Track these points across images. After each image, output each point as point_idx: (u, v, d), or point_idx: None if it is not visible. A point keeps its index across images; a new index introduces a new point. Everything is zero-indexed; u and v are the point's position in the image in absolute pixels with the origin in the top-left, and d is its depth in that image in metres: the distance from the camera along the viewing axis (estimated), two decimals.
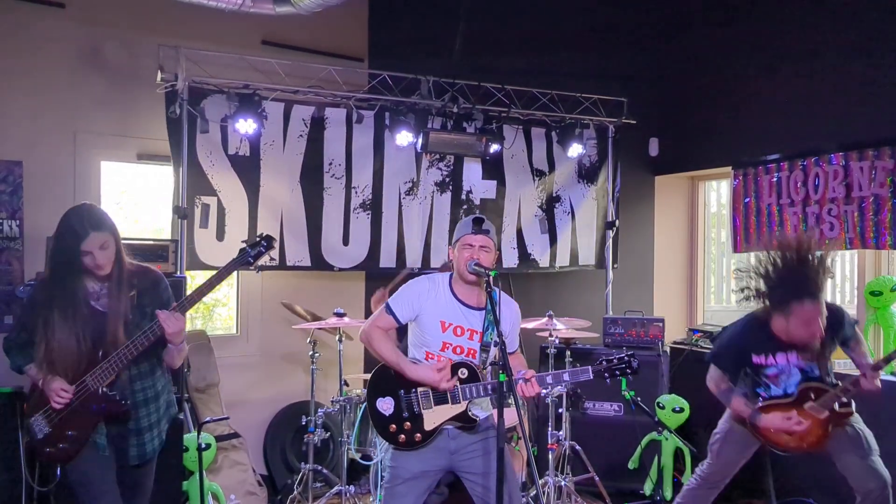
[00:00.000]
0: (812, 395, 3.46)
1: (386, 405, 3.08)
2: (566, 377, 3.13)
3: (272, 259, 3.03)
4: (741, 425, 3.61)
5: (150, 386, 2.98)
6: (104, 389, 2.80)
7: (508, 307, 3.20)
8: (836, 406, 3.43)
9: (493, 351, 3.03)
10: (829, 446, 3.51)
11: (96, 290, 2.85)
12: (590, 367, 3.09)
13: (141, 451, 2.96)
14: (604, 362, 3.11)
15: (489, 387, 3.01)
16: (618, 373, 3.09)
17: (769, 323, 3.46)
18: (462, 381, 3.03)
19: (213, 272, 2.92)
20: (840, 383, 3.45)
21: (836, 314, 3.49)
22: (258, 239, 2.96)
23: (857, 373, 3.48)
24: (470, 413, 3.04)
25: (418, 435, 3.03)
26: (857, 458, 3.43)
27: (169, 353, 2.96)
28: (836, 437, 3.48)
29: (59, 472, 2.88)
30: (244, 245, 2.96)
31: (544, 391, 4.59)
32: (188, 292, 3.72)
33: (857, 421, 3.51)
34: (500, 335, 2.80)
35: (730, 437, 3.68)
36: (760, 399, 3.55)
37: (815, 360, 3.49)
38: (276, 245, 3.06)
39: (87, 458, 2.87)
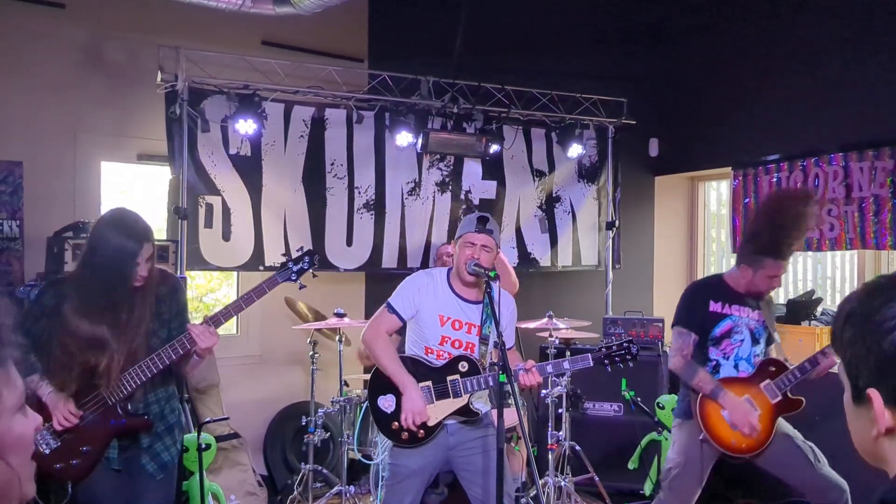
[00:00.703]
0: (772, 370, 3.43)
1: (387, 402, 3.08)
2: (566, 365, 3.14)
3: (315, 276, 2.93)
4: (696, 409, 3.43)
5: (163, 396, 2.86)
6: (124, 403, 2.67)
7: (506, 303, 3.19)
8: (789, 392, 3.39)
9: (492, 348, 3.04)
10: (777, 462, 3.42)
11: None
12: (589, 354, 3.10)
13: (160, 462, 2.82)
14: (603, 349, 3.12)
15: (489, 379, 3.01)
16: (618, 359, 3.10)
17: (722, 278, 3.55)
18: (463, 375, 3.04)
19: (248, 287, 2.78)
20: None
21: None
22: (300, 253, 2.87)
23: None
24: (472, 406, 3.05)
25: (421, 431, 3.03)
26: (813, 470, 3.37)
27: (192, 363, 2.84)
28: (783, 451, 3.40)
29: (70, 490, 2.70)
30: (286, 259, 2.87)
31: (544, 392, 4.59)
32: (188, 293, 3.74)
33: (798, 436, 3.45)
34: (499, 336, 2.81)
35: (688, 468, 3.46)
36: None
37: (764, 317, 3.50)
38: (318, 261, 2.94)
39: (97, 475, 2.71)
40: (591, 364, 3.10)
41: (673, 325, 3.60)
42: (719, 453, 3.41)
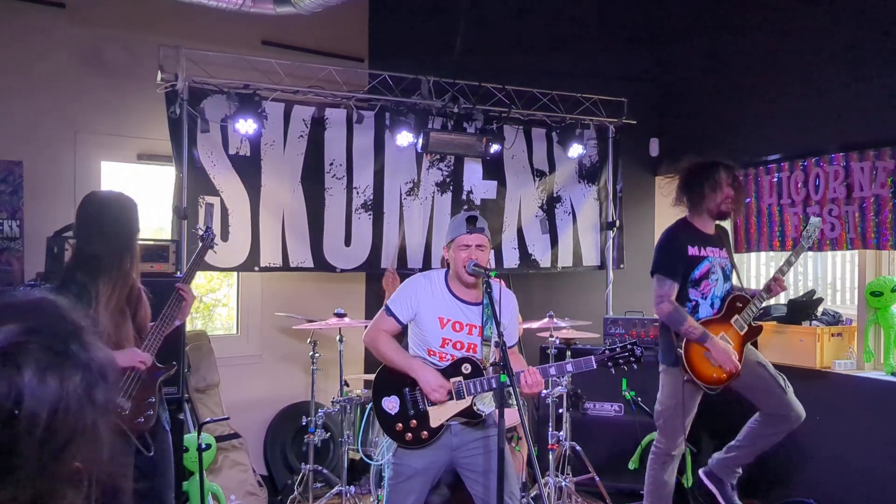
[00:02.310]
0: (739, 305, 3.82)
1: (391, 404, 3.08)
2: (570, 367, 3.12)
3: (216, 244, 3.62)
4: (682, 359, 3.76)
5: None
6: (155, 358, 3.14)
7: (507, 301, 3.19)
8: (752, 321, 3.83)
9: (494, 348, 3.03)
10: (751, 385, 3.80)
11: None
12: (592, 356, 3.08)
13: (166, 418, 3.27)
14: (607, 351, 3.11)
15: (493, 381, 3.00)
16: (621, 361, 3.09)
17: (691, 222, 3.92)
18: (466, 377, 3.04)
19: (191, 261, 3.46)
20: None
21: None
22: (204, 230, 3.53)
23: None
24: (475, 408, 3.05)
25: (425, 433, 3.03)
26: (781, 393, 3.77)
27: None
28: (756, 375, 3.80)
29: (148, 438, 3.08)
30: (201, 234, 3.51)
31: (544, 392, 4.59)
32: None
33: (769, 364, 3.86)
34: (500, 336, 2.80)
35: (678, 409, 3.83)
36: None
37: (728, 253, 3.94)
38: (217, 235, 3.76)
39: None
40: (595, 366, 3.09)
41: (654, 273, 3.92)
42: (702, 389, 3.80)
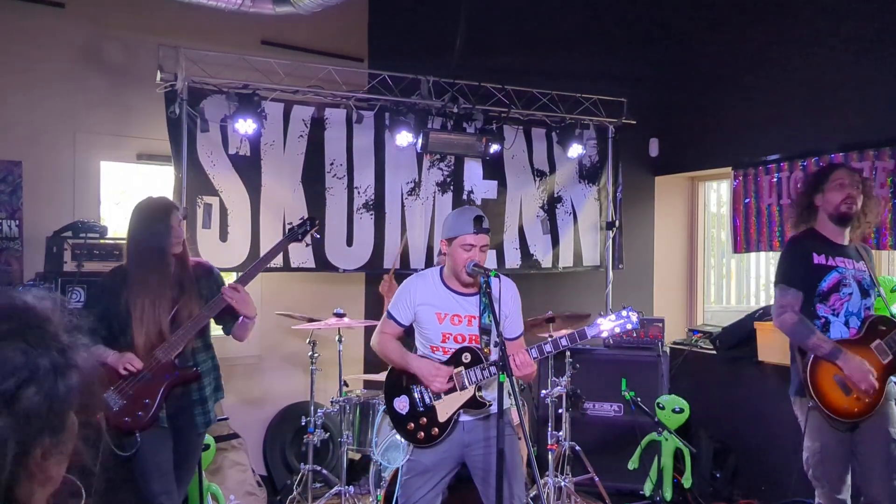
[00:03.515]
0: (882, 329, 3.22)
1: (402, 404, 3.12)
2: (563, 342, 3.07)
3: (315, 237, 3.71)
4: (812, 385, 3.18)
5: (210, 358, 3.37)
6: (175, 359, 3.15)
7: (506, 288, 3.13)
8: None
9: (494, 343, 3.02)
10: (865, 448, 3.22)
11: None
12: (586, 327, 3.07)
13: (206, 419, 3.29)
14: (600, 319, 3.10)
15: (493, 368, 2.98)
16: (618, 329, 3.09)
17: (818, 230, 3.38)
18: (466, 366, 3.05)
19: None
20: None
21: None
22: (302, 220, 3.56)
23: None
24: (478, 397, 3.05)
25: (435, 429, 3.05)
26: (886, 475, 3.19)
27: (242, 325, 3.36)
28: (874, 442, 3.22)
29: (138, 439, 3.11)
30: (291, 226, 3.55)
31: (544, 392, 4.59)
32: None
33: (893, 437, 3.24)
34: (500, 335, 2.80)
35: (827, 452, 3.23)
36: None
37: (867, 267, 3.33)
38: (319, 224, 3.66)
39: (153, 431, 3.12)
40: (588, 337, 3.06)
41: (776, 283, 3.39)
42: (833, 423, 3.19)
